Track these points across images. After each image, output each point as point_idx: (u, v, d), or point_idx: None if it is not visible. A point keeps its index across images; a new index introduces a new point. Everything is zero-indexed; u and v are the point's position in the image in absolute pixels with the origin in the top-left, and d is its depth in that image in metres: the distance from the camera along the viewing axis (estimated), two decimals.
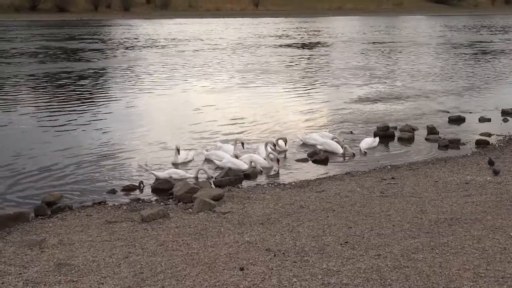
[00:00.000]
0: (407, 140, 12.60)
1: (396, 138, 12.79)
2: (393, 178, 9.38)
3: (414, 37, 49.11)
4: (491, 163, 9.86)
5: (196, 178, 9.93)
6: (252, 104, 17.33)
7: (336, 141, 11.83)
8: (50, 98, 18.43)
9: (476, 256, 5.74)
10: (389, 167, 10.49)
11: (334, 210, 7.52)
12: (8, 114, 15.75)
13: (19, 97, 18.62)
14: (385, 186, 8.82)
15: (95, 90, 20.29)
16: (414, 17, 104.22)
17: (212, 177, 9.94)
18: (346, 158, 11.36)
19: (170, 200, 8.59)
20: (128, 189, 9.29)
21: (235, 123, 14.52)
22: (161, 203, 8.44)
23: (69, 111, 16.18)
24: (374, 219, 7.04)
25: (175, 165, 10.68)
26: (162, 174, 9.80)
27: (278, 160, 10.56)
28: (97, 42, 43.37)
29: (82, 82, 22.32)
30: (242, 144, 11.42)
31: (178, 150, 10.79)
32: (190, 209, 7.83)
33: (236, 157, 10.78)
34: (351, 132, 12.94)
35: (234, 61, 30.23)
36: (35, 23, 75.39)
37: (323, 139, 11.94)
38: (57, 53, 34.98)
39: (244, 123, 14.56)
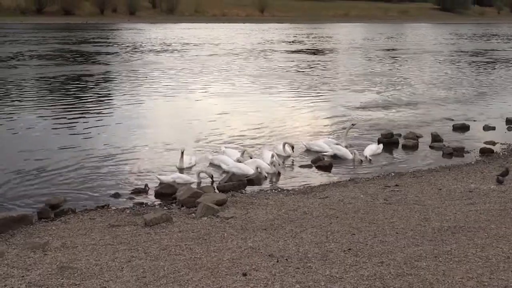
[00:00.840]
0: (411, 147, 12.58)
1: (400, 145, 12.78)
2: (396, 185, 9.37)
3: (424, 45, 49.08)
4: (505, 174, 9.48)
5: (199, 183, 9.91)
6: (260, 109, 17.31)
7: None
8: (60, 100, 18.49)
9: (479, 265, 5.72)
10: (393, 174, 10.48)
11: (337, 217, 7.51)
12: (13, 116, 15.76)
13: (29, 99, 18.59)
14: (389, 193, 8.80)
15: (106, 94, 20.32)
16: (420, 24, 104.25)
17: (212, 176, 9.92)
18: (356, 163, 11.36)
19: (174, 204, 8.60)
20: (132, 193, 9.30)
21: (241, 128, 14.49)
22: (164, 208, 8.45)
23: (78, 114, 16.20)
24: (378, 226, 7.03)
25: (180, 169, 10.69)
26: (166, 178, 9.81)
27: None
28: (111, 45, 43.36)
29: (96, 85, 22.34)
30: (250, 157, 11.35)
31: (182, 153, 10.79)
32: (193, 214, 7.84)
33: (239, 162, 10.77)
34: (353, 125, 13.06)
35: (248, 66, 30.17)
36: (42, 26, 75.63)
37: (334, 145, 11.97)
38: (73, 55, 35.00)
39: (249, 127, 14.54)
